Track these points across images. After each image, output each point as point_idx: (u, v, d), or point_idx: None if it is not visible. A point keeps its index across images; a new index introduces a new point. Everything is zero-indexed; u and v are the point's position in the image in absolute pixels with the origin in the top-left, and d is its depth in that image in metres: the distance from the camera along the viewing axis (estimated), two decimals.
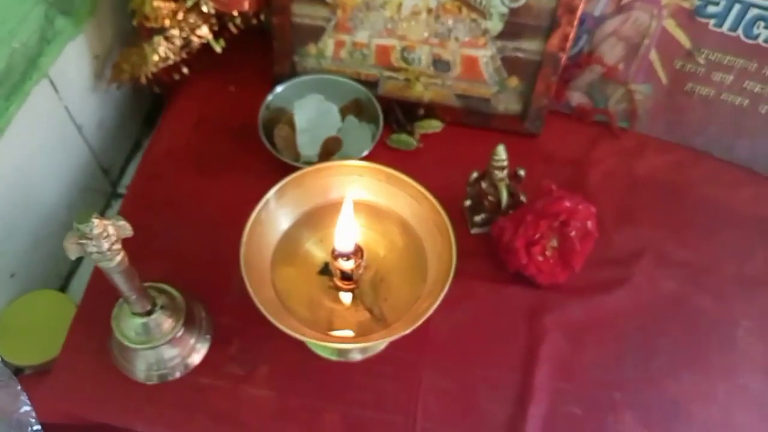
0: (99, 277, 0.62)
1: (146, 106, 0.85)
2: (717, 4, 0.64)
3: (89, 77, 0.71)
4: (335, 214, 0.53)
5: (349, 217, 0.48)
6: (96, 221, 0.40)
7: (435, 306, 0.46)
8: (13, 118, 0.60)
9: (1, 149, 0.59)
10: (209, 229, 0.64)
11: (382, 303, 0.52)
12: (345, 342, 0.49)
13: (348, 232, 0.48)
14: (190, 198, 0.67)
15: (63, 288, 0.73)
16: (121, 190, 0.80)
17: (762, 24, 0.64)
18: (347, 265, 0.49)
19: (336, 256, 0.49)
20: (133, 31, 0.75)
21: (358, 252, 0.50)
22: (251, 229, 0.49)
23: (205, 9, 0.63)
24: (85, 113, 0.72)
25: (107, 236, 0.42)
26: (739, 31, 0.65)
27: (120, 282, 0.46)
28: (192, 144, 0.71)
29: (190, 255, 0.63)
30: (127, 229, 0.43)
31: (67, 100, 0.68)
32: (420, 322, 0.46)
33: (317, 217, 0.54)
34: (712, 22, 0.65)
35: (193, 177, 0.69)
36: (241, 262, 0.47)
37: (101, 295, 0.61)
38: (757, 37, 0.65)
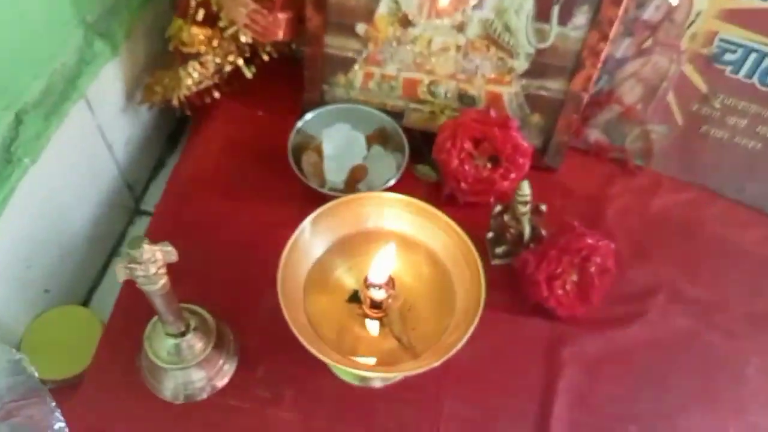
0: (127, 296, 0.64)
1: (170, 126, 0.87)
2: (734, 51, 0.67)
3: (122, 97, 0.73)
4: (366, 243, 0.55)
5: (388, 253, 0.50)
6: (146, 247, 0.42)
7: (465, 339, 0.48)
8: (52, 136, 0.62)
9: (38, 168, 0.60)
10: (236, 251, 0.66)
11: (410, 332, 0.53)
12: (379, 371, 0.51)
13: (384, 265, 0.50)
14: (218, 220, 0.68)
15: (85, 302, 0.74)
16: (144, 206, 0.82)
17: None
18: (379, 295, 0.51)
19: (368, 285, 0.51)
20: (164, 54, 0.77)
21: (389, 282, 0.51)
22: (288, 255, 0.51)
23: (243, 39, 0.65)
24: (116, 132, 0.73)
25: (155, 261, 0.43)
26: (755, 79, 0.67)
27: (159, 304, 0.48)
28: (219, 166, 0.73)
29: (217, 277, 0.64)
30: (173, 255, 0.44)
31: (101, 119, 0.69)
32: (450, 354, 0.47)
33: (348, 246, 0.56)
34: (728, 68, 0.68)
35: (220, 199, 0.70)
36: (279, 288, 0.49)
37: (129, 314, 0.62)
38: None
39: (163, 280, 0.45)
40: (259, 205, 0.69)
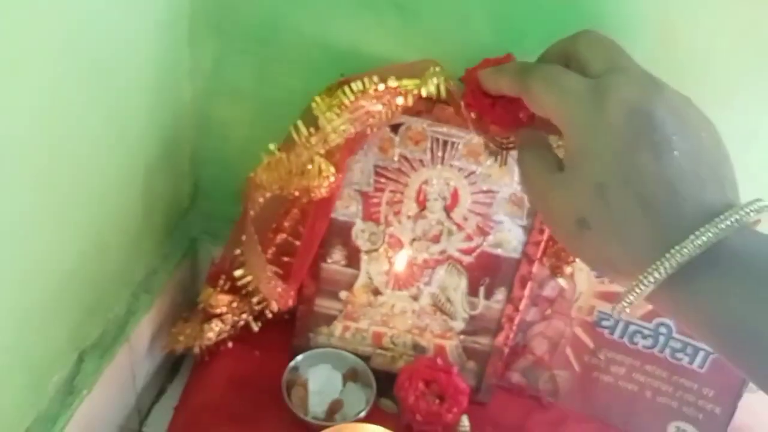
0: None
1: (173, 358, 1.05)
2: (608, 319, 0.94)
3: (150, 340, 0.92)
4: None
5: None
6: None
7: None
8: (103, 372, 0.79)
9: (89, 397, 0.77)
10: None
11: None
12: None
13: None
14: None
15: None
16: (146, 429, 0.96)
17: (639, 335, 0.93)
18: None
19: None
20: (183, 306, 0.98)
21: None
22: None
23: (274, 308, 0.87)
24: (140, 366, 0.91)
25: None
26: (625, 339, 0.94)
27: None
28: (223, 398, 0.90)
29: None
30: None
31: (135, 357, 0.88)
32: None
33: None
34: (606, 331, 0.94)
35: (223, 424, 0.87)
36: None
37: None
38: (637, 343, 0.94)
39: None
40: (256, 429, 0.86)
